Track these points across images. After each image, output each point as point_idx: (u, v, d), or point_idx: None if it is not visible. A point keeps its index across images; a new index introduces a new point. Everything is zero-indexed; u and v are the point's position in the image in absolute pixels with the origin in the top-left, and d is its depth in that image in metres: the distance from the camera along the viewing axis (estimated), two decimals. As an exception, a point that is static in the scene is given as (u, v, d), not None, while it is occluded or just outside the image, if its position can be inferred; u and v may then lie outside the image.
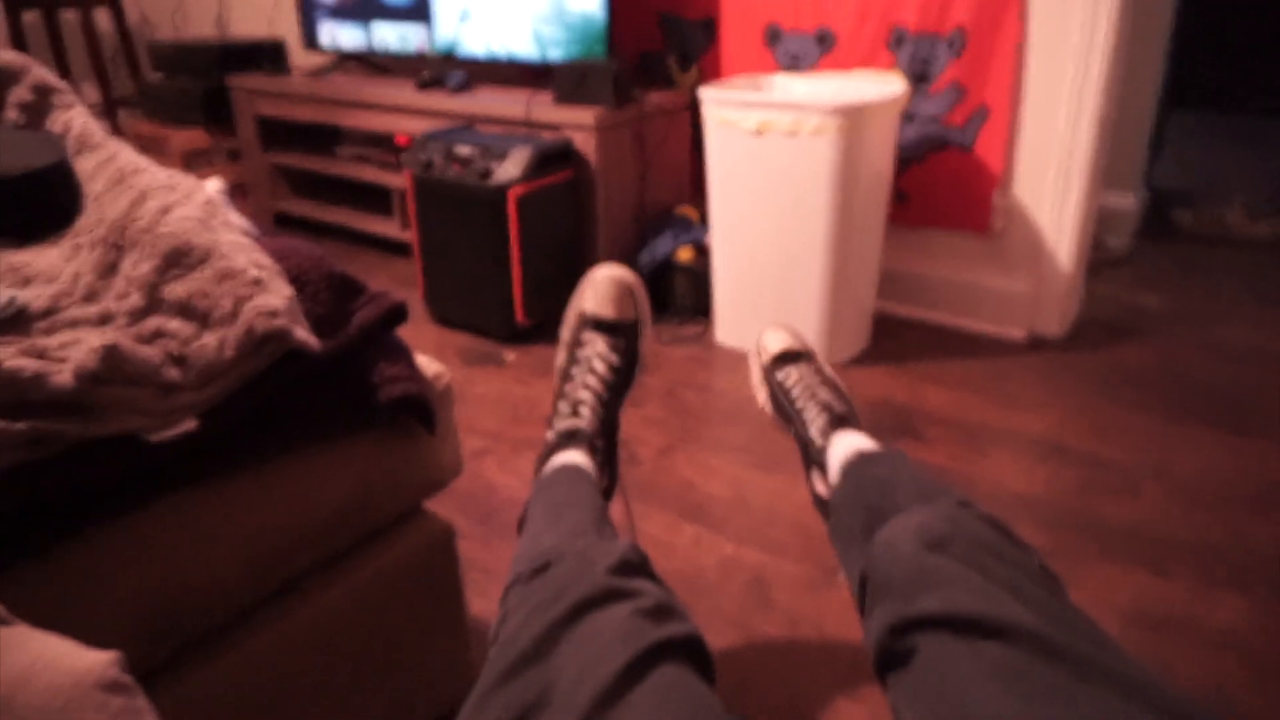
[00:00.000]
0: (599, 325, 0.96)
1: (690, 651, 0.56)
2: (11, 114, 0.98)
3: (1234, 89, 4.30)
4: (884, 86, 1.91)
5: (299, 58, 3.20)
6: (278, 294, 0.73)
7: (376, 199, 2.81)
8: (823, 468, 0.89)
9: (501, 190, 1.95)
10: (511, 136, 2.09)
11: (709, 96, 1.87)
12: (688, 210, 2.30)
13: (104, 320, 0.73)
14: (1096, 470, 1.53)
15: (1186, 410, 1.73)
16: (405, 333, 0.88)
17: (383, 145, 2.74)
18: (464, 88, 2.44)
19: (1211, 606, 1.20)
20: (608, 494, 0.92)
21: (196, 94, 2.92)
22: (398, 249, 2.79)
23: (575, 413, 0.92)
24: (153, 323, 0.71)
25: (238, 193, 2.90)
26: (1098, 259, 2.53)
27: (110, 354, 0.63)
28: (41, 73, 1.01)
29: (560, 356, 0.98)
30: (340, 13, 2.78)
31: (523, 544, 0.75)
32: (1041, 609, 0.52)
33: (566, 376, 0.95)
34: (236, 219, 0.86)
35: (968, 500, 0.67)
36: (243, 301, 0.71)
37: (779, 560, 1.31)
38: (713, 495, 1.48)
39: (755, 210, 1.88)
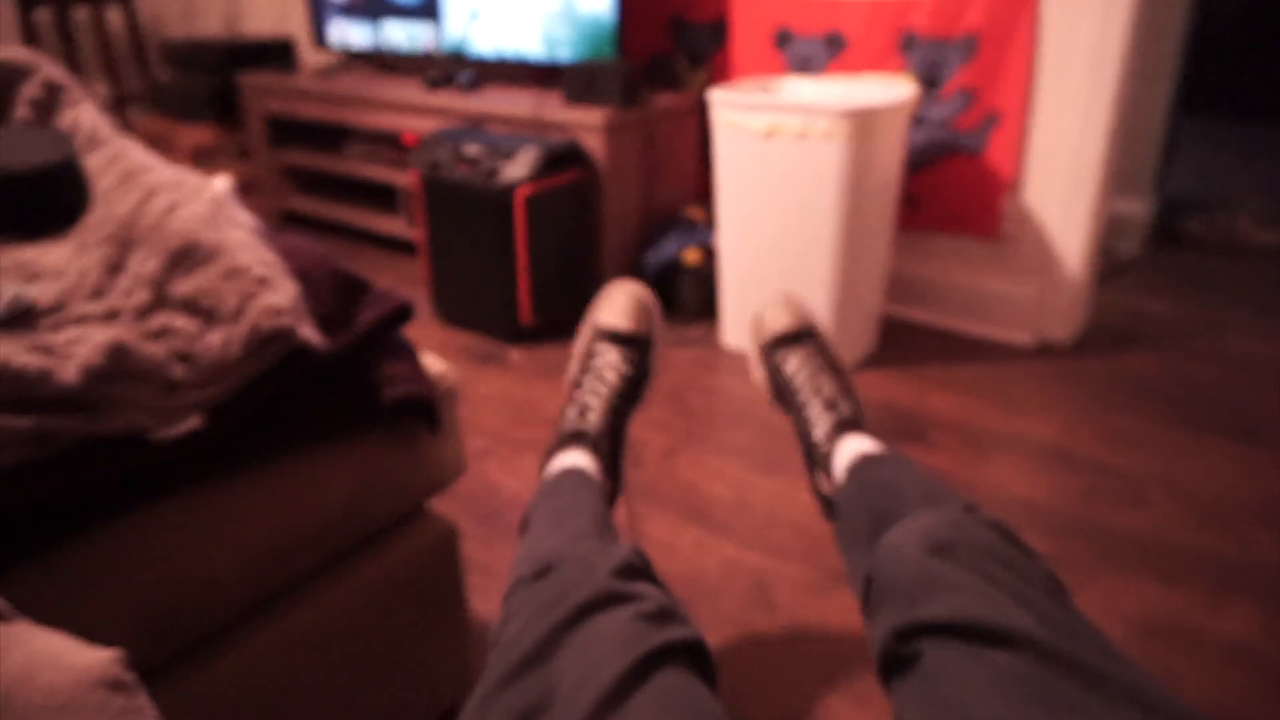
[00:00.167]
0: (613, 337, 0.97)
1: (692, 655, 0.56)
2: (22, 111, 0.98)
3: (1246, 96, 4.28)
4: (894, 90, 1.91)
5: (308, 56, 3.21)
6: (284, 292, 0.73)
7: (384, 198, 2.81)
8: (827, 470, 0.88)
9: (508, 190, 1.95)
10: (519, 137, 2.09)
11: (718, 98, 1.87)
12: (695, 212, 2.29)
13: (110, 317, 0.73)
14: (1103, 478, 1.53)
15: (1195, 418, 1.72)
16: (411, 331, 0.88)
17: (391, 144, 2.74)
18: (473, 87, 2.44)
19: (1220, 617, 1.19)
20: (611, 499, 0.91)
21: (206, 91, 2.93)
22: (404, 248, 2.79)
23: (583, 415, 0.93)
24: (159, 320, 0.71)
25: (245, 190, 2.91)
26: (1107, 266, 2.52)
27: (116, 351, 0.63)
28: (52, 69, 1.02)
29: (572, 368, 0.99)
30: (350, 11, 2.78)
31: (525, 547, 0.75)
32: (1048, 617, 0.52)
33: (577, 385, 0.96)
34: (243, 217, 0.86)
35: (973, 505, 0.66)
36: (249, 299, 0.71)
37: (781, 563, 1.31)
38: (715, 497, 1.48)
39: (763, 212, 1.88)
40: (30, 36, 3.13)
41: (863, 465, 0.82)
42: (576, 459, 0.90)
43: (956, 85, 1.98)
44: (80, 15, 3.48)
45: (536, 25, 2.33)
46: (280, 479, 0.75)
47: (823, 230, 1.80)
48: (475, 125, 2.26)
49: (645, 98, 2.18)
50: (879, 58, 2.05)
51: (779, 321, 1.00)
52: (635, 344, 0.97)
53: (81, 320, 0.73)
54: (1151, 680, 0.48)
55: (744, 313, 2.01)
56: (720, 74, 2.33)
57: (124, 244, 0.78)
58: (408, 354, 0.86)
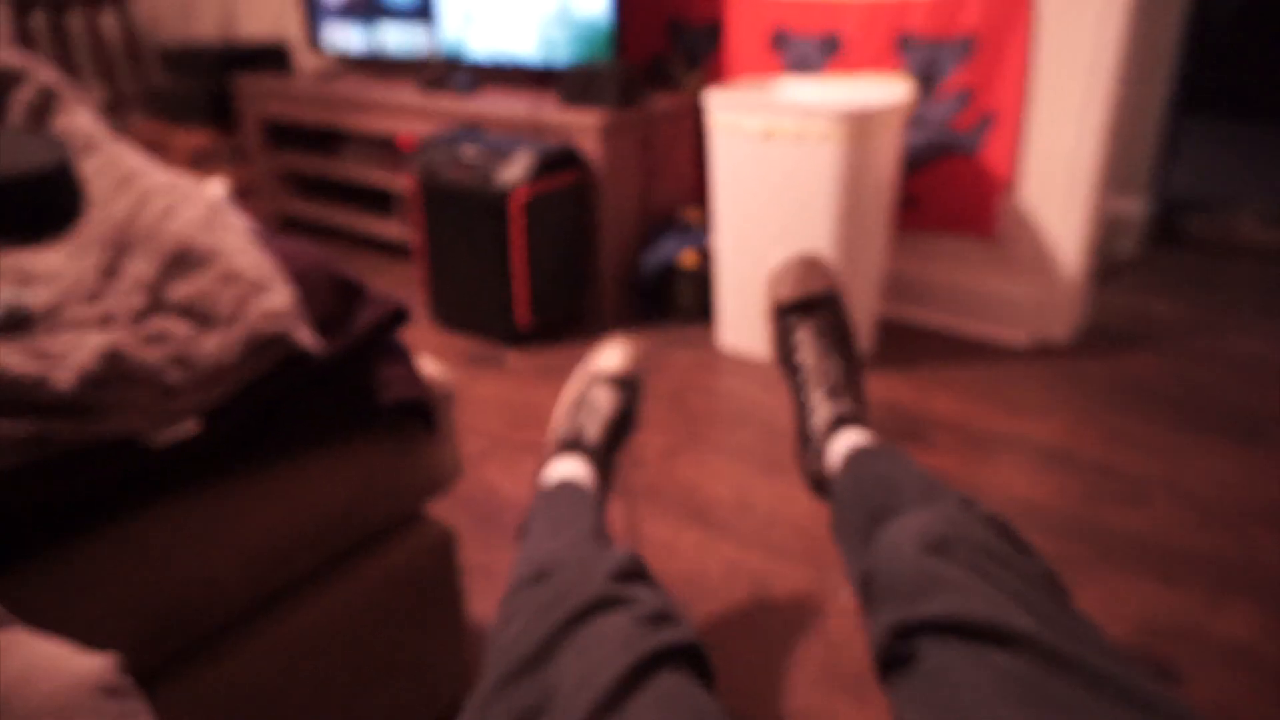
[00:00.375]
0: (607, 379, 1.03)
1: (690, 658, 0.56)
2: (16, 115, 0.98)
3: (1246, 96, 4.28)
4: (891, 90, 1.91)
5: (304, 59, 3.21)
6: (280, 296, 0.73)
7: (380, 201, 2.81)
8: (820, 456, 0.88)
9: (505, 193, 1.95)
10: (516, 139, 2.09)
11: (715, 100, 1.87)
12: (692, 214, 2.29)
13: (106, 321, 0.73)
14: (1104, 478, 1.52)
15: (1195, 419, 1.72)
16: (407, 335, 0.88)
17: (387, 147, 2.74)
18: (469, 90, 2.44)
19: (1221, 618, 1.19)
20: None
21: (202, 95, 2.93)
22: (401, 251, 2.79)
23: (581, 429, 0.97)
24: (155, 324, 0.71)
25: (242, 194, 2.91)
26: (1106, 265, 2.52)
27: (112, 356, 0.63)
28: (47, 73, 1.01)
29: (559, 415, 1.04)
30: (345, 14, 2.78)
31: (524, 551, 0.76)
32: (1047, 617, 0.52)
33: (571, 418, 1.01)
34: (239, 221, 0.86)
35: (970, 500, 0.66)
36: (245, 303, 0.71)
37: (782, 564, 1.30)
38: (716, 498, 1.48)
39: (760, 214, 1.88)
40: (25, 40, 3.13)
41: (859, 458, 0.82)
42: (574, 469, 0.91)
43: (953, 86, 1.98)
44: (75, 19, 3.48)
45: (533, 28, 2.33)
46: (279, 481, 0.75)
47: (820, 231, 1.80)
48: (472, 128, 2.26)
49: (642, 100, 2.18)
50: (875, 59, 2.05)
51: (789, 290, 0.97)
52: (626, 384, 1.03)
53: (77, 325, 0.72)
54: (1149, 679, 0.47)
55: (741, 314, 2.01)
56: (717, 76, 2.33)
57: (120, 248, 0.78)
58: (403, 357, 0.86)
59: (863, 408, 0.92)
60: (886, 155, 1.85)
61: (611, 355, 1.07)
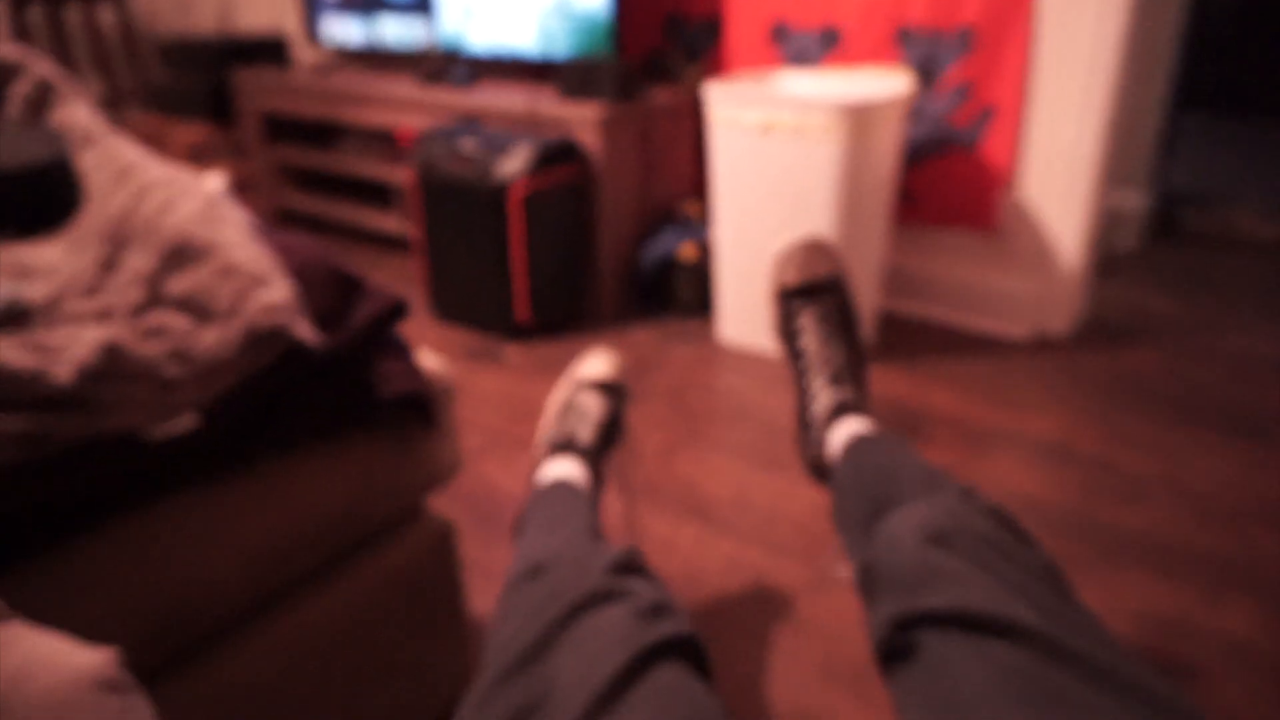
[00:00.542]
0: (593, 385, 1.05)
1: (687, 651, 0.56)
2: (13, 109, 0.98)
3: (1246, 91, 4.28)
4: (890, 84, 1.90)
5: (302, 52, 3.20)
6: (279, 290, 0.72)
7: (379, 195, 2.80)
8: (820, 442, 0.89)
9: (504, 186, 1.94)
10: (515, 133, 2.08)
11: (714, 94, 1.86)
12: (691, 207, 2.29)
13: (104, 315, 0.72)
14: (1104, 474, 1.53)
15: (1195, 415, 1.72)
16: (407, 329, 0.88)
17: (386, 141, 2.73)
18: (468, 83, 2.43)
19: (1220, 614, 1.19)
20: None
21: (200, 89, 2.92)
22: (400, 245, 2.79)
23: (572, 432, 0.98)
24: (153, 318, 0.71)
25: (240, 188, 2.90)
26: (1106, 260, 2.52)
27: (110, 350, 0.63)
28: (44, 67, 1.01)
29: (547, 420, 1.04)
30: (343, 7, 2.77)
31: (520, 548, 0.76)
32: (1048, 609, 0.52)
33: (561, 422, 1.02)
34: (238, 214, 0.85)
35: (971, 491, 0.66)
36: (244, 297, 0.71)
37: (781, 560, 1.31)
38: (715, 495, 1.48)
39: (759, 208, 1.88)
40: (22, 34, 3.11)
41: (859, 446, 0.82)
42: (568, 469, 0.91)
43: (953, 80, 1.97)
44: (73, 13, 3.46)
45: (532, 21, 2.32)
46: (279, 479, 0.75)
47: (819, 225, 1.80)
48: (470, 122, 2.25)
49: (641, 93, 2.17)
50: (875, 52, 2.04)
51: (796, 273, 0.96)
52: (613, 391, 1.04)
53: (75, 319, 0.72)
54: (1151, 672, 0.47)
55: (741, 308, 2.01)
56: (716, 69, 2.32)
57: (118, 242, 0.78)
58: (403, 351, 0.86)
59: (864, 395, 0.92)
60: (886, 149, 1.84)
61: (597, 363, 1.08)
